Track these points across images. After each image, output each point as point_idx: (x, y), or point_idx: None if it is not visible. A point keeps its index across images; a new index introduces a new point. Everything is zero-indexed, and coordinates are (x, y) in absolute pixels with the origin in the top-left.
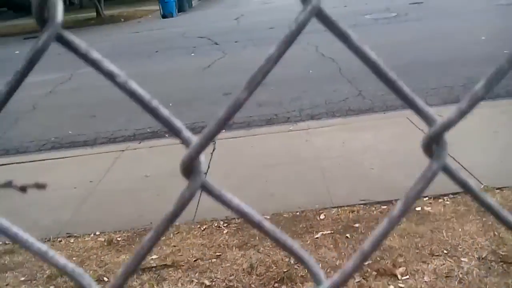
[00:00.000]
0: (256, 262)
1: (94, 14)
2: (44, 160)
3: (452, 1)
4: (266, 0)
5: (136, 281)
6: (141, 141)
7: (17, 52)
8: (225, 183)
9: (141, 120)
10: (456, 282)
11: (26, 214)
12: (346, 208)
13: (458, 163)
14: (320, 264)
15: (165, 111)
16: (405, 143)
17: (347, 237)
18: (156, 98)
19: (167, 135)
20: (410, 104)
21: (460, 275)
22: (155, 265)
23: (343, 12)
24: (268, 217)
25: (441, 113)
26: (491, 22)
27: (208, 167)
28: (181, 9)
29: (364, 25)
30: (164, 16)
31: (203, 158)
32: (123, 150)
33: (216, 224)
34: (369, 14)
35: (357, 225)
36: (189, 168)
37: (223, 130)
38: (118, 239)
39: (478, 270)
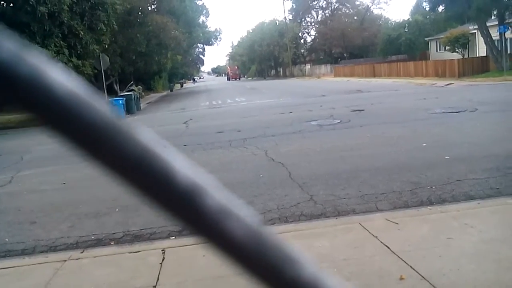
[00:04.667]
0: None
1: None
2: None
3: (391, 110)
4: (213, 105)
5: None
6: (84, 250)
7: None
8: None
9: (84, 226)
10: None
11: None
12: None
13: (417, 272)
14: None
15: None
16: (360, 251)
17: None
18: (102, 203)
19: (112, 243)
20: None
21: None
22: None
23: (289, 118)
24: None
25: (393, 218)
26: (429, 129)
27: (158, 278)
28: (129, 112)
29: (310, 131)
30: None
31: None
32: (64, 260)
33: None
34: (314, 120)
35: None
36: None
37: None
38: None
39: None
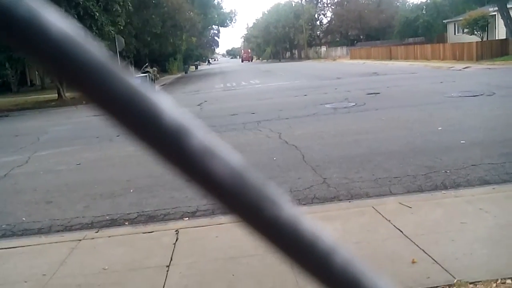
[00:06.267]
0: None
1: (55, 95)
2: None
3: (407, 93)
4: (228, 87)
5: None
6: (99, 230)
7: None
8: (189, 276)
9: (99, 206)
10: None
11: None
12: None
13: (429, 256)
14: None
15: None
16: (372, 234)
17: None
18: (117, 184)
19: (126, 223)
20: None
21: None
22: None
23: (304, 101)
24: None
25: (407, 202)
26: (445, 113)
27: (171, 258)
28: None
29: (324, 114)
30: None
31: None
32: (80, 240)
33: None
34: (329, 103)
35: None
36: None
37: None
38: None
39: None
